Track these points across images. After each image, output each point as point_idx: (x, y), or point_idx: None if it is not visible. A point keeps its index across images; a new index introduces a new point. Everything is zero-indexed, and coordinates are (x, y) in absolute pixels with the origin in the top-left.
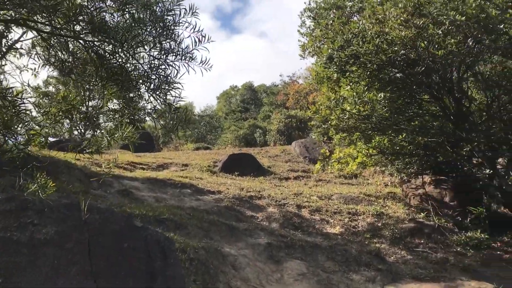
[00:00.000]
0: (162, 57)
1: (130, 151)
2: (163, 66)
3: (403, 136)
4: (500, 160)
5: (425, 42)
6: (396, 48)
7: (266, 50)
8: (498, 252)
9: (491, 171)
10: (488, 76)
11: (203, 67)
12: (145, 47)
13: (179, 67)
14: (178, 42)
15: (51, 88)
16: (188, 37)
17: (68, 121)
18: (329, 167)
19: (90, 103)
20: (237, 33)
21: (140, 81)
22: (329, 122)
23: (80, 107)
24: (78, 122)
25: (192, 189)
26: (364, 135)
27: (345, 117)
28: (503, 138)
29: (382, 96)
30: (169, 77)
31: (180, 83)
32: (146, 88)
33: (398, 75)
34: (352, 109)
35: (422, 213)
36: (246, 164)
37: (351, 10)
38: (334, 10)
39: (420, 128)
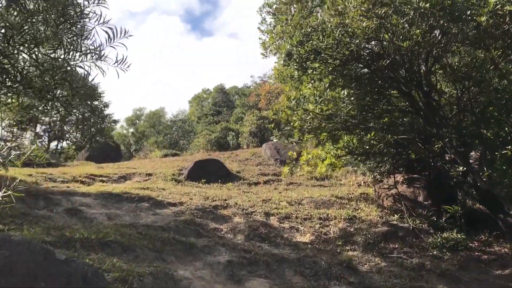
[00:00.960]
0: (66, 56)
1: (94, 162)
2: (64, 68)
3: (372, 134)
4: (472, 154)
5: (389, 34)
6: (358, 41)
7: (237, 51)
8: (476, 253)
9: (464, 168)
10: (457, 67)
11: (119, 67)
12: (42, 45)
13: (90, 67)
14: (83, 37)
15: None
16: (93, 29)
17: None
18: (298, 170)
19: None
20: (208, 36)
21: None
22: (292, 123)
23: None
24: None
25: (150, 202)
26: (331, 135)
27: (308, 118)
28: (475, 132)
29: (346, 93)
30: (72, 81)
31: (94, 87)
32: (51, 96)
33: (363, 70)
34: (315, 109)
35: (395, 215)
36: (213, 170)
37: (313, 4)
38: (295, 5)
39: (390, 125)
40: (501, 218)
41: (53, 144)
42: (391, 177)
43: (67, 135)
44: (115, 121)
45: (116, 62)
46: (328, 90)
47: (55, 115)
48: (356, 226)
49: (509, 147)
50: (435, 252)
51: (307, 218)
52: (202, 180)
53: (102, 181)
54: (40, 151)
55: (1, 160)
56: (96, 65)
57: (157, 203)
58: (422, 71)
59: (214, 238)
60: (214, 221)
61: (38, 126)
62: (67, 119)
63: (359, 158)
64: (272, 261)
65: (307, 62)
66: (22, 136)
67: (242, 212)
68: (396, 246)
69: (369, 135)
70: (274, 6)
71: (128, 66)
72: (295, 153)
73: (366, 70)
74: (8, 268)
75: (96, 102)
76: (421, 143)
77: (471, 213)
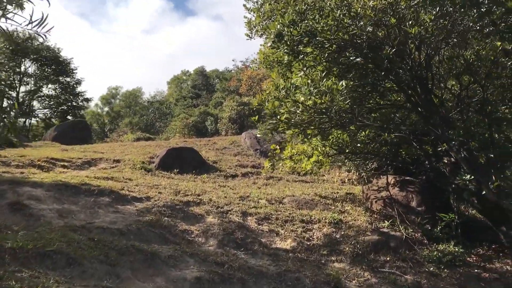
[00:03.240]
0: None
1: (60, 143)
2: None
3: (367, 132)
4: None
5: (397, 17)
6: (361, 23)
7: (221, 34)
8: (476, 270)
9: (471, 177)
10: (470, 59)
11: (34, 29)
12: None
13: None
14: None
15: None
16: None
17: None
18: (280, 165)
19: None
20: (192, 15)
21: None
22: (279, 116)
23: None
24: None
25: (112, 196)
26: (320, 130)
27: (298, 110)
28: (484, 135)
29: (344, 84)
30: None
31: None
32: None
33: (358, 59)
34: (307, 101)
35: (386, 221)
36: (188, 159)
37: None
38: None
39: (385, 122)
40: (504, 231)
41: (20, 121)
42: (381, 178)
43: (35, 112)
44: (88, 100)
45: (30, 22)
46: (324, 80)
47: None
48: (342, 233)
49: None
50: (431, 268)
51: (289, 220)
52: (175, 170)
53: (64, 166)
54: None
55: None
56: None
57: (119, 198)
58: (422, 61)
59: (182, 244)
60: (184, 221)
61: (5, 101)
62: (36, 95)
63: (349, 157)
64: (248, 278)
65: (300, 46)
66: None
67: (217, 211)
68: (388, 258)
69: (363, 132)
70: None
71: (49, 30)
72: (278, 147)
73: (360, 59)
74: None
75: (68, 79)
76: (417, 142)
77: (467, 222)
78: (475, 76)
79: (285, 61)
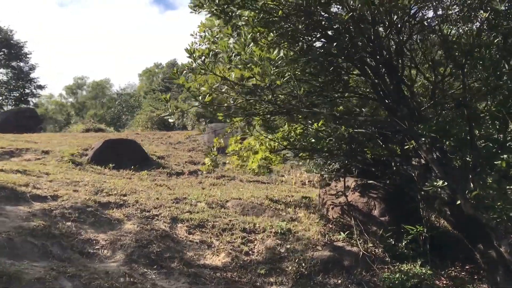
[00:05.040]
0: None
1: (2, 132)
2: None
3: (320, 124)
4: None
5: None
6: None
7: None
8: None
9: (444, 183)
10: (452, 39)
11: None
12: None
13: None
14: None
15: None
16: None
17: None
18: (227, 163)
19: None
20: (171, 9)
21: None
22: (201, 96)
23: None
24: None
25: (1, 194)
26: (263, 120)
27: (224, 89)
28: (458, 131)
29: (282, 54)
30: None
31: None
32: None
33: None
34: (227, 73)
35: (342, 233)
36: (127, 153)
37: None
38: None
39: (344, 113)
40: (481, 250)
41: None
42: (340, 181)
43: None
44: (41, 87)
45: None
46: (251, 45)
47: None
48: (288, 246)
49: (505, 156)
50: None
51: (227, 229)
52: (110, 164)
53: None
54: None
55: None
56: None
57: (14, 197)
58: (392, 44)
59: (71, 260)
60: (93, 228)
61: None
62: None
63: (300, 154)
64: None
65: (231, 6)
66: None
67: (141, 215)
68: (339, 281)
69: (316, 124)
70: None
71: None
72: (222, 141)
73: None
74: None
75: (21, 64)
76: (382, 140)
77: (438, 236)
78: (452, 55)
79: (216, 28)
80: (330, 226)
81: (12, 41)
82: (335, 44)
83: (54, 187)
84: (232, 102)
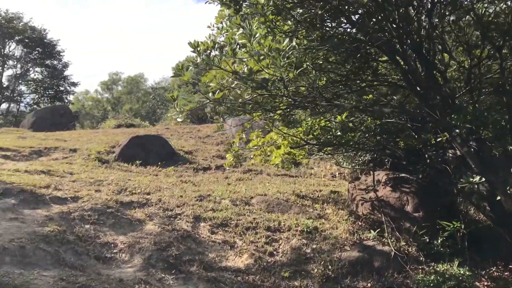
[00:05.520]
0: None
1: (34, 130)
2: None
3: (344, 116)
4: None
5: None
6: None
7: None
8: None
9: (482, 178)
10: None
11: None
12: None
13: None
14: None
15: None
16: None
17: None
18: (251, 158)
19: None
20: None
21: None
22: (211, 93)
23: None
24: None
25: (20, 197)
26: (283, 115)
27: (233, 84)
28: (496, 119)
29: (294, 44)
30: None
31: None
32: None
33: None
34: (240, 68)
35: (372, 231)
36: (154, 149)
37: None
38: None
39: (373, 104)
40: None
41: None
42: (370, 174)
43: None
44: (74, 84)
45: None
46: (257, 35)
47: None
48: (315, 246)
49: None
50: None
51: (251, 228)
52: (137, 161)
53: (6, 157)
54: None
55: None
56: None
57: (33, 200)
58: (424, 27)
59: (85, 267)
60: (113, 230)
61: None
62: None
63: (324, 149)
64: None
65: None
66: None
67: (164, 214)
68: (369, 285)
69: (339, 117)
70: None
71: None
72: (243, 136)
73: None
74: None
75: (54, 62)
76: (414, 131)
77: (477, 232)
78: (489, 36)
79: (226, 18)
80: (360, 223)
81: (45, 40)
82: (359, 29)
83: (76, 188)
84: (247, 97)
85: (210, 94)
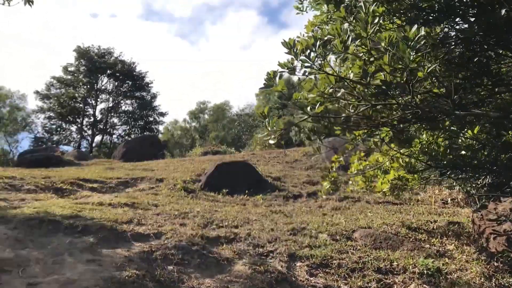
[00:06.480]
0: None
1: (124, 160)
2: None
3: (475, 131)
4: None
5: None
6: None
7: None
8: None
9: None
10: None
11: None
12: None
13: None
14: None
15: (52, 90)
16: None
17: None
18: (350, 184)
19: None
20: (285, 28)
21: None
22: (309, 107)
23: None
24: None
25: (99, 235)
26: (395, 131)
27: (338, 94)
28: None
29: (424, 33)
30: None
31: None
32: None
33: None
34: (346, 72)
35: None
36: (241, 176)
37: None
38: None
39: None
40: None
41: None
42: (502, 201)
43: (112, 129)
44: (163, 114)
45: None
46: (376, 21)
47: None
48: None
49: None
50: None
51: (357, 269)
52: (224, 190)
53: (92, 189)
54: None
55: None
56: None
57: (113, 238)
58: None
59: None
60: (198, 271)
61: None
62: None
63: (448, 173)
64: None
65: None
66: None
67: (254, 252)
68: None
69: (469, 132)
70: None
71: None
72: (342, 159)
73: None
74: None
75: (143, 93)
76: None
77: None
78: None
79: (321, 13)
80: (495, 264)
81: (135, 73)
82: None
83: (160, 222)
84: (352, 110)
85: (309, 108)
